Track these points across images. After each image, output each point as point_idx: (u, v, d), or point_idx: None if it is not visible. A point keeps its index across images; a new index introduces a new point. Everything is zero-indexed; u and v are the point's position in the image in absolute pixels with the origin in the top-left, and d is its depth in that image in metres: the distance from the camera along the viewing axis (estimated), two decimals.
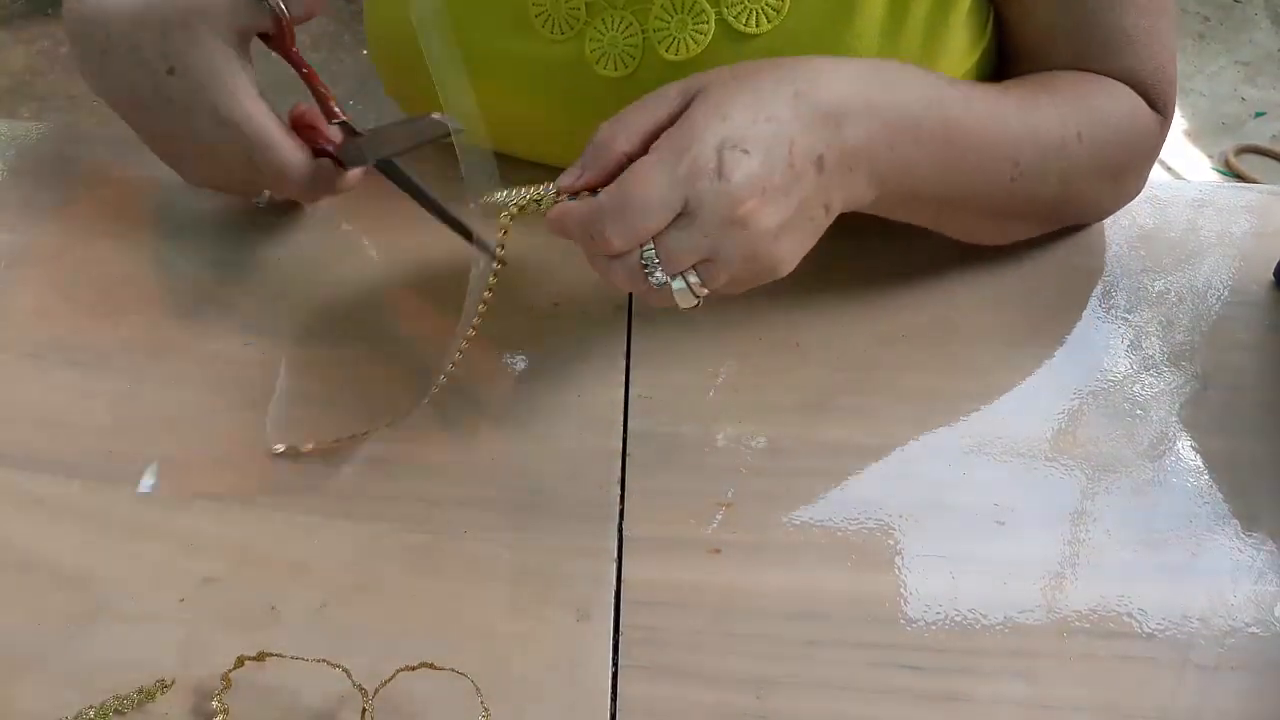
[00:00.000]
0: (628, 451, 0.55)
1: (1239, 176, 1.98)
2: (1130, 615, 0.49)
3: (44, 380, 0.57)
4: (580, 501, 0.52)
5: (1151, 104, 0.62)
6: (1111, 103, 0.59)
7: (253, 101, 0.55)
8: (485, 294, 0.51)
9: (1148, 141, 0.62)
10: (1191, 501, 0.54)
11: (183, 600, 0.48)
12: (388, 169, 0.58)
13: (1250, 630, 0.49)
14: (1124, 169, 0.62)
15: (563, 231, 0.49)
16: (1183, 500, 0.54)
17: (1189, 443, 0.57)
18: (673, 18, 0.58)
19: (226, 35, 0.54)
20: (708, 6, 0.57)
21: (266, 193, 0.59)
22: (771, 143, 0.46)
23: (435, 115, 0.55)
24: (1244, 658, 0.48)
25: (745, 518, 0.52)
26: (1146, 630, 0.49)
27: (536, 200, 0.50)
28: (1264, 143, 2.02)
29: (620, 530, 0.52)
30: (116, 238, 0.64)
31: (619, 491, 0.53)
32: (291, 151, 0.56)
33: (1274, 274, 0.65)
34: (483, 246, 0.54)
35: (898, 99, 0.51)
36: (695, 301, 0.48)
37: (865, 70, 0.51)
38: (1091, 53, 0.60)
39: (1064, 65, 0.61)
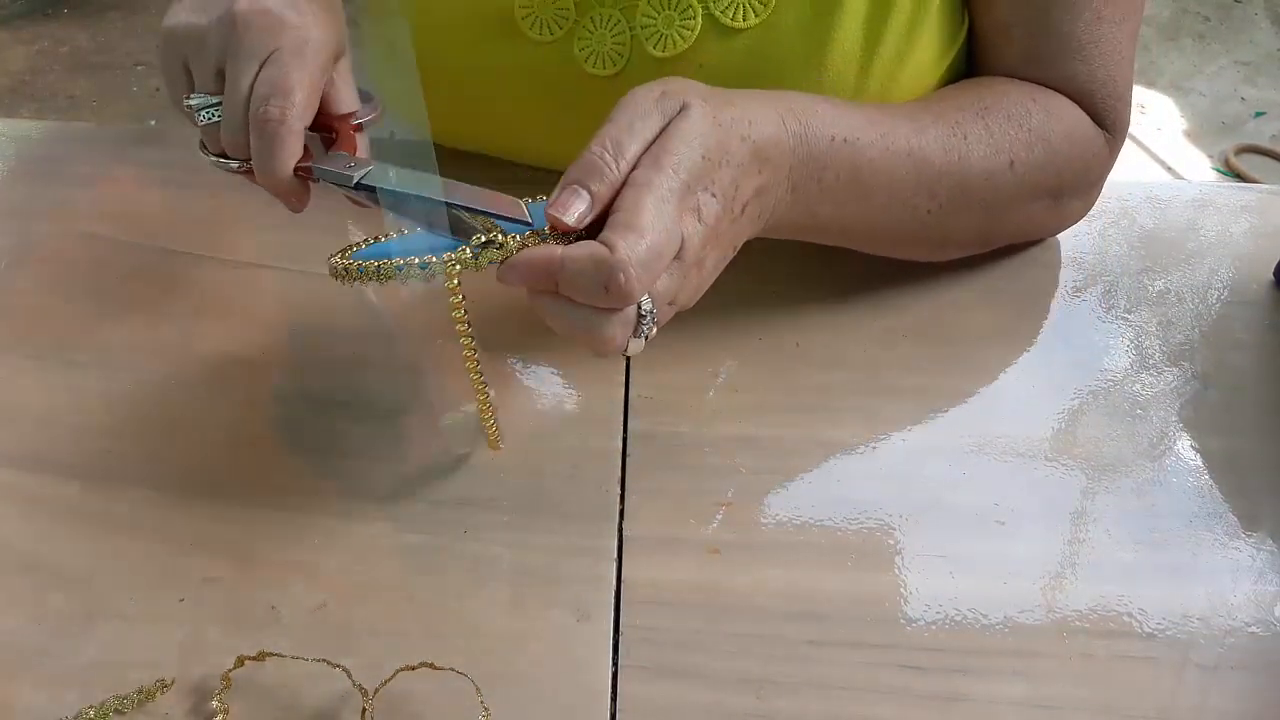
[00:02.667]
0: (628, 451, 0.55)
1: (1239, 176, 1.98)
2: (1130, 615, 0.49)
3: (44, 380, 0.57)
4: (580, 501, 0.52)
5: (1099, 119, 0.61)
6: (1051, 123, 0.58)
7: (318, 78, 0.51)
8: (461, 327, 0.48)
9: (1091, 162, 0.61)
10: (1191, 501, 0.54)
11: (183, 600, 0.48)
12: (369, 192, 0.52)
13: (1250, 630, 0.49)
14: (1064, 190, 0.61)
15: (552, 280, 0.44)
16: (1183, 500, 0.54)
17: (1189, 443, 0.57)
18: (660, 14, 0.58)
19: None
20: (694, 2, 0.57)
21: (215, 100, 0.52)
22: (728, 187, 0.47)
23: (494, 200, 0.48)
24: (1244, 658, 0.48)
25: (745, 518, 0.52)
26: (1146, 630, 0.49)
27: (498, 245, 0.45)
28: (1264, 143, 2.02)
29: (620, 530, 0.52)
30: (116, 238, 0.64)
31: (619, 491, 0.53)
32: (291, 150, 0.51)
33: (1274, 274, 0.65)
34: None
35: (809, 141, 0.51)
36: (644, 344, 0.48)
37: (784, 109, 0.51)
38: (1039, 55, 0.59)
39: (1014, 64, 0.61)
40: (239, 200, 0.66)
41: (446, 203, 0.48)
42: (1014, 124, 0.57)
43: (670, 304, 0.47)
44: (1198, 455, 0.56)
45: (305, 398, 0.56)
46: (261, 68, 0.50)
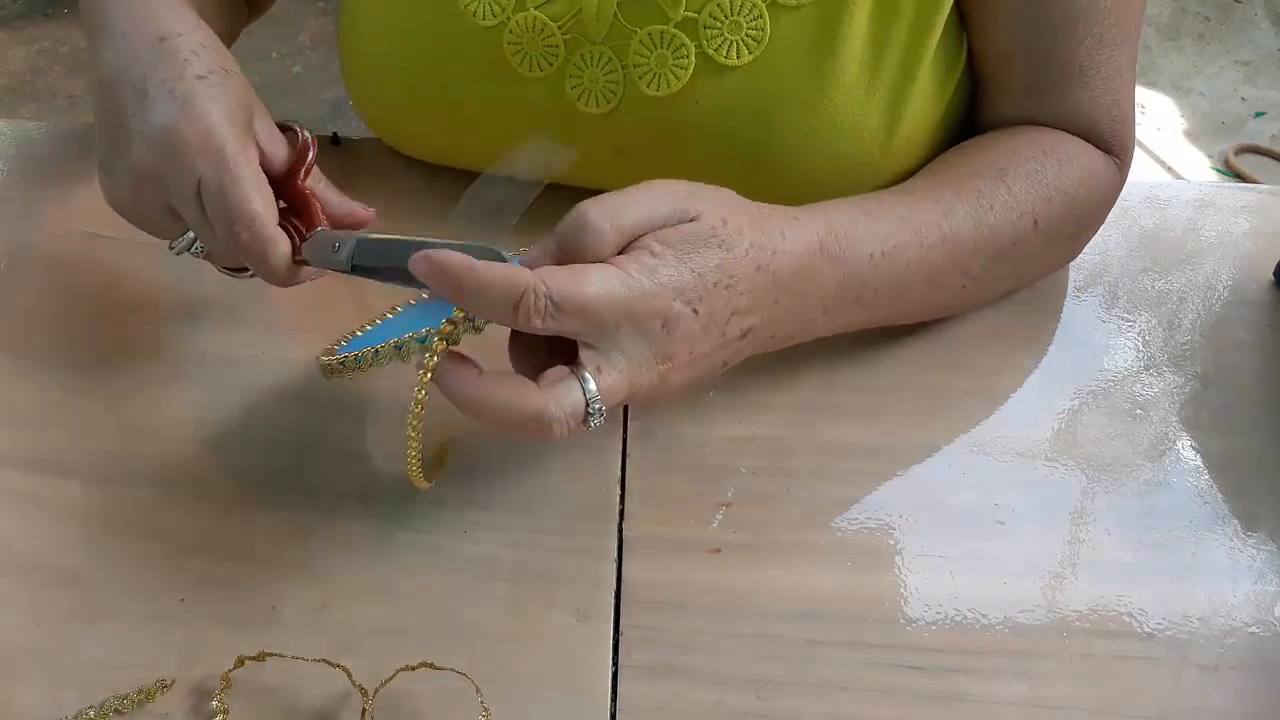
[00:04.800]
0: (628, 451, 0.55)
1: (1239, 176, 1.98)
2: (1130, 615, 0.49)
3: (44, 380, 0.57)
4: (580, 501, 0.52)
5: (1105, 144, 0.60)
6: (1065, 172, 0.58)
7: (252, 168, 0.50)
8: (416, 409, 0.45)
9: (1105, 198, 0.61)
10: (1191, 501, 0.54)
11: (183, 600, 0.48)
12: (363, 272, 0.50)
13: (1250, 630, 0.49)
14: (1082, 232, 0.61)
15: (458, 285, 0.43)
16: (1183, 500, 0.54)
17: (1189, 443, 0.57)
18: (652, 52, 0.57)
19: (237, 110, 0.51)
20: (687, 40, 0.56)
21: (189, 235, 0.52)
22: (719, 310, 0.46)
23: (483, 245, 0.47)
24: (1244, 658, 0.48)
25: (745, 518, 0.52)
26: (1146, 630, 0.49)
27: (477, 328, 0.45)
28: (1264, 143, 2.02)
29: (620, 530, 0.52)
30: (116, 238, 0.64)
31: (619, 491, 0.53)
32: (280, 251, 0.50)
33: (1274, 274, 0.65)
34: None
35: (849, 265, 0.50)
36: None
37: (825, 232, 0.50)
38: (1042, 85, 0.59)
39: (1017, 95, 0.60)
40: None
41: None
42: (1032, 182, 0.57)
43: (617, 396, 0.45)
44: (1198, 455, 0.56)
45: (306, 398, 0.56)
46: (202, 200, 0.49)
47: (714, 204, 0.47)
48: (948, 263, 0.54)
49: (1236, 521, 0.53)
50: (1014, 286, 0.61)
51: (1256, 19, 2.33)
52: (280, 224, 0.50)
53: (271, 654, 0.45)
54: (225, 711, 0.44)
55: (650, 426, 0.56)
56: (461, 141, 0.65)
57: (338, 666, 0.45)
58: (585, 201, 0.45)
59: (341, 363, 0.49)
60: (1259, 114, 2.08)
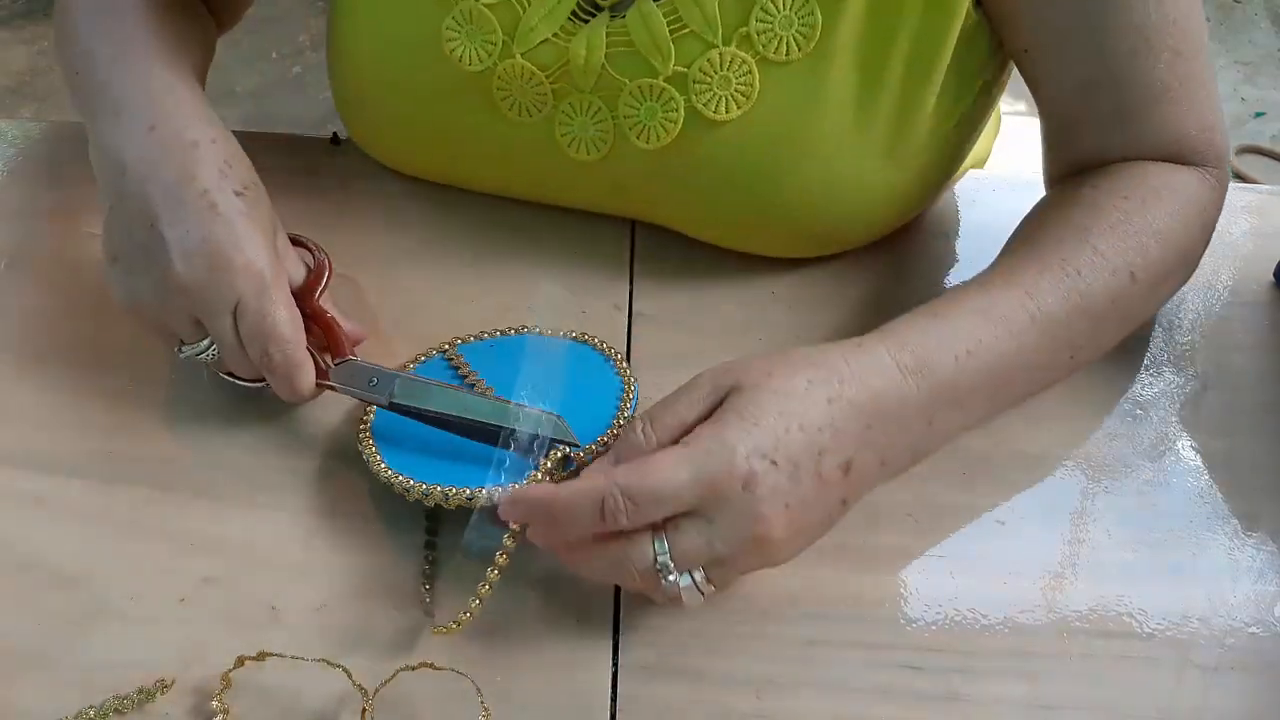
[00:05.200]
0: None
1: (1239, 176, 1.98)
2: (1130, 615, 0.49)
3: (44, 380, 0.57)
4: None
5: (1199, 157, 0.58)
6: (1152, 211, 0.55)
7: (286, 292, 0.52)
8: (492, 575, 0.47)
9: (1205, 217, 0.58)
10: (1191, 501, 0.54)
11: (183, 600, 0.48)
12: (399, 409, 0.52)
13: (1250, 630, 0.49)
14: (1188, 260, 0.58)
15: (551, 516, 0.44)
16: (1183, 500, 0.54)
17: (1189, 443, 0.57)
18: (642, 104, 0.57)
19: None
20: (677, 94, 0.56)
21: (205, 344, 0.52)
22: (801, 455, 0.44)
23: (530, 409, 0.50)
24: (1244, 658, 0.48)
25: None
26: (1146, 630, 0.49)
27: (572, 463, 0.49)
28: (1264, 143, 2.01)
29: None
30: None
31: None
32: (308, 375, 0.52)
33: (1274, 274, 0.65)
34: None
35: (934, 373, 0.48)
36: (702, 599, 0.45)
37: (894, 346, 0.48)
38: (1130, 107, 0.56)
39: (1104, 124, 0.57)
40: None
41: (492, 422, 0.50)
42: (1119, 234, 0.54)
43: (721, 564, 0.44)
44: (1198, 455, 0.56)
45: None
46: (236, 319, 0.50)
47: (754, 365, 0.46)
48: (1046, 342, 0.51)
49: (1236, 521, 0.53)
50: (1131, 333, 0.57)
51: (1256, 19, 2.33)
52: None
53: (271, 654, 0.45)
54: (225, 711, 0.44)
55: None
56: (456, 169, 0.65)
57: (338, 666, 0.45)
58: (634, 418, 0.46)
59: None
60: (1259, 114, 2.08)
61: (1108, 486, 0.54)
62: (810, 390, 0.45)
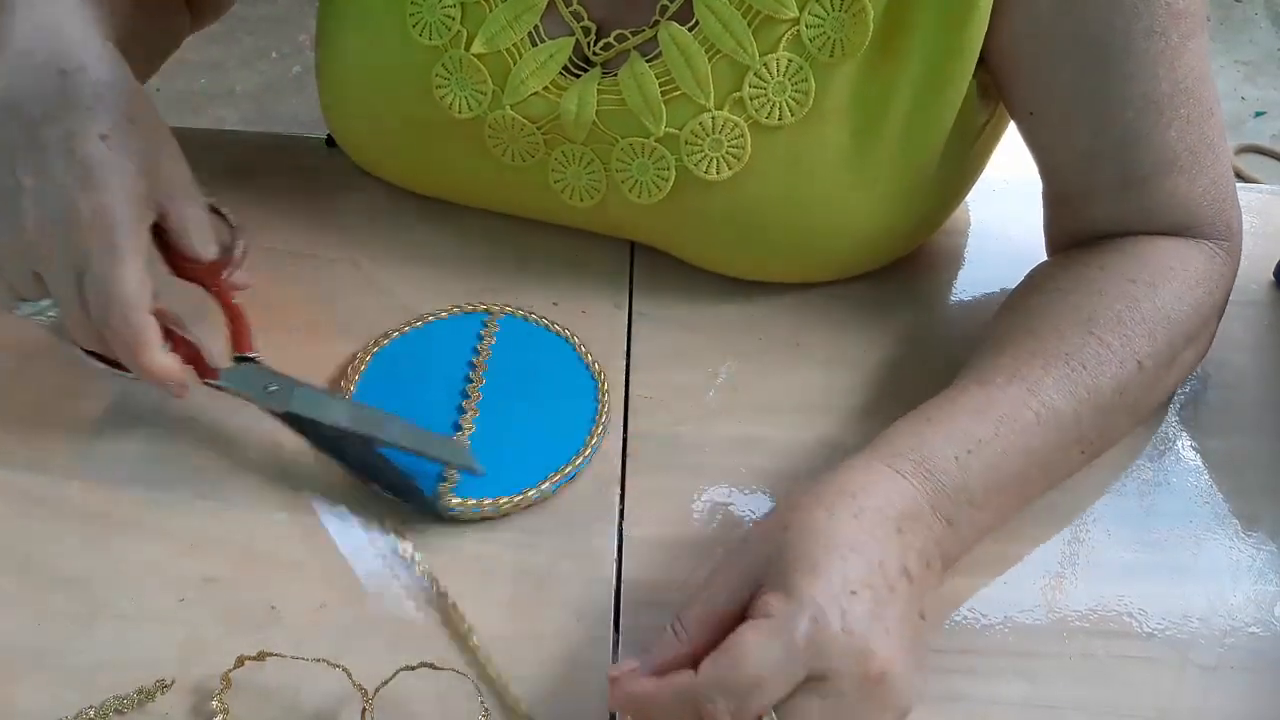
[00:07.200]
0: (628, 451, 0.55)
1: (1239, 176, 1.98)
2: (1130, 615, 0.49)
3: (43, 380, 0.57)
4: (580, 501, 0.52)
5: (1210, 230, 0.56)
6: (1164, 293, 0.53)
7: (141, 256, 0.48)
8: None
9: (1216, 293, 0.55)
10: (1191, 501, 0.54)
11: (183, 600, 0.48)
12: (294, 421, 0.51)
13: (1250, 630, 0.49)
14: (1199, 339, 0.56)
15: (643, 709, 0.41)
16: (1183, 500, 0.54)
17: (1189, 443, 0.57)
18: (634, 161, 0.56)
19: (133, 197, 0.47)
20: (668, 154, 0.55)
21: (44, 304, 0.49)
22: (869, 575, 0.41)
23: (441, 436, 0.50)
24: (1244, 658, 0.48)
25: (745, 518, 0.52)
26: (1146, 630, 0.49)
27: None
28: (1264, 143, 2.01)
29: (620, 530, 0.52)
30: None
31: (619, 491, 0.53)
32: (151, 347, 0.48)
33: (1274, 274, 0.65)
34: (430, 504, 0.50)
35: (934, 473, 0.46)
36: None
37: (888, 454, 0.46)
38: (1138, 176, 0.54)
39: (1112, 194, 0.55)
40: (238, 200, 0.65)
41: (401, 446, 0.49)
42: (1125, 323, 0.51)
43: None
44: (1198, 455, 0.56)
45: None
46: (80, 274, 0.47)
47: (767, 530, 0.43)
48: (1052, 438, 0.49)
49: (1236, 521, 0.53)
50: (1145, 418, 0.56)
51: (1256, 19, 2.33)
52: (181, 334, 0.50)
53: (271, 654, 0.45)
54: (225, 711, 0.44)
55: (650, 426, 0.56)
56: (452, 195, 0.65)
57: (338, 666, 0.45)
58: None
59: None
60: (1259, 114, 2.08)
61: (1108, 486, 0.54)
62: (833, 518, 0.43)
